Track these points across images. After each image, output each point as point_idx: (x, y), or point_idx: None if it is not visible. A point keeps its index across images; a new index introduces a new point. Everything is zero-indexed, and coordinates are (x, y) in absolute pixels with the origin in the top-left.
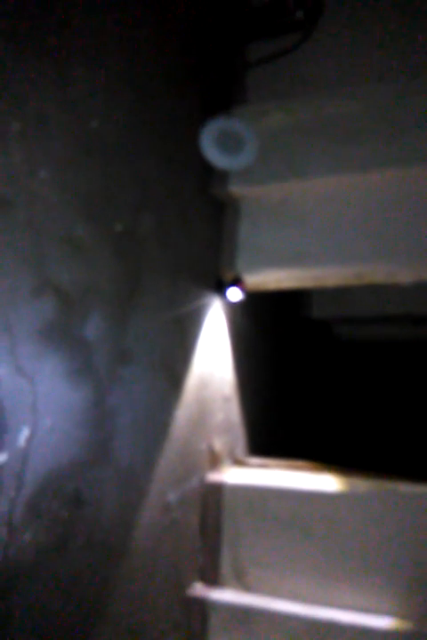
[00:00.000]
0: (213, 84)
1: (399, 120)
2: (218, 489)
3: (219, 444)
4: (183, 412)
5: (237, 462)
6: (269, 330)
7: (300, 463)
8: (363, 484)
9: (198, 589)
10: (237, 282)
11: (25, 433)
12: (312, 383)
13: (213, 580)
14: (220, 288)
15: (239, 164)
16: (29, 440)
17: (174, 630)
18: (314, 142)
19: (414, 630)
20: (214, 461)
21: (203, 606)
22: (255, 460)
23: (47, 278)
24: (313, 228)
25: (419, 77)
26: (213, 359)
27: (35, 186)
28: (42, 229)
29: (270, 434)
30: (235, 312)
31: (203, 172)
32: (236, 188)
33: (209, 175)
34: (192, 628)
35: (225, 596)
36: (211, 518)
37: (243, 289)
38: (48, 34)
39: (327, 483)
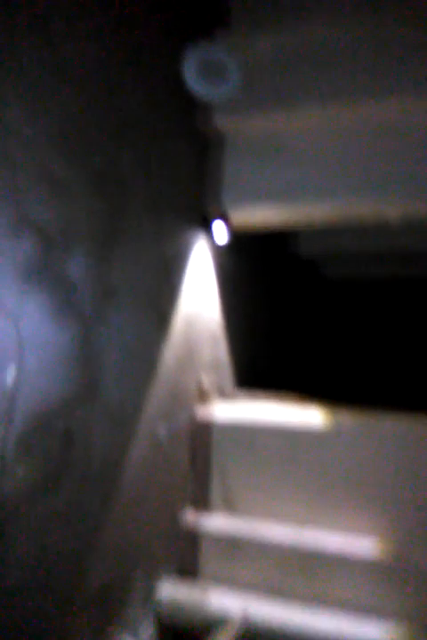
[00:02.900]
0: (194, 8)
1: (392, 48)
2: (207, 423)
3: (207, 381)
4: (171, 350)
5: (226, 397)
6: (256, 268)
7: (287, 397)
8: (347, 418)
9: (189, 515)
10: (222, 219)
11: (11, 372)
12: (300, 321)
13: (204, 506)
14: (205, 226)
15: (223, 94)
16: (17, 379)
17: (167, 554)
18: (301, 71)
19: (394, 553)
20: (203, 397)
21: (194, 531)
22: (243, 395)
23: (26, 216)
24: (301, 162)
25: (409, 7)
26: (199, 297)
27: (7, 117)
28: (18, 165)
29: (258, 371)
30: (221, 250)
31: (186, 105)
32: (220, 121)
33: (193, 108)
34: (184, 552)
35: (215, 522)
36: (200, 451)
37: (228, 225)
38: None
39: (313, 416)
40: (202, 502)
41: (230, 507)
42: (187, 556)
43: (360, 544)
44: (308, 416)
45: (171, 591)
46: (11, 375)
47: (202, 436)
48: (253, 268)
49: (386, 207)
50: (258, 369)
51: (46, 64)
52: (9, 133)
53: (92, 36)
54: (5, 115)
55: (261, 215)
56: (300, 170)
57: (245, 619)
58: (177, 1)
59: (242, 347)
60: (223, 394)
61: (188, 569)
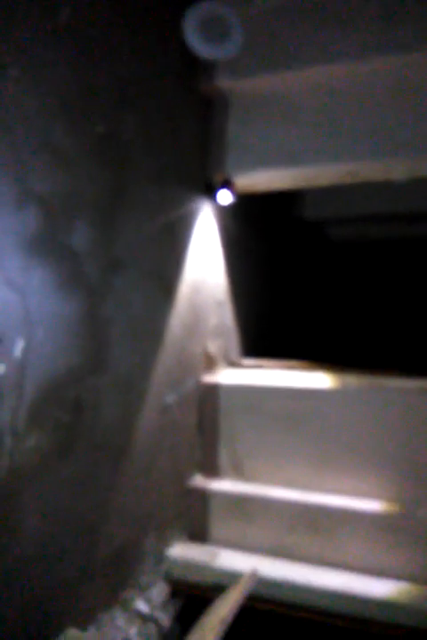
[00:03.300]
0: None
1: (396, 4)
2: (214, 389)
3: (213, 347)
4: (177, 318)
5: (232, 364)
6: (261, 232)
7: (293, 363)
8: (354, 381)
9: (198, 481)
10: (226, 184)
11: (20, 344)
12: (306, 284)
13: (212, 472)
14: (209, 191)
15: (226, 52)
16: (25, 351)
17: (177, 518)
18: (307, 28)
19: (400, 512)
20: (210, 364)
21: (203, 496)
22: (249, 361)
23: (29, 188)
24: (305, 123)
25: None
26: (205, 264)
27: (7, 89)
28: (18, 135)
29: (264, 336)
30: (226, 215)
31: (188, 66)
32: (223, 82)
33: (194, 69)
34: (193, 516)
35: (223, 485)
36: (208, 416)
37: (233, 191)
38: None
39: (320, 380)
40: (210, 466)
41: (238, 470)
42: (196, 520)
43: (367, 503)
44: (314, 379)
45: (181, 553)
46: (20, 347)
47: (209, 402)
48: (259, 232)
49: (393, 166)
50: (264, 333)
51: (45, 33)
52: (9, 105)
53: (90, 1)
54: (5, 86)
55: (266, 179)
56: (305, 131)
57: (254, 577)
58: None
59: (248, 312)
60: (229, 360)
61: (197, 532)
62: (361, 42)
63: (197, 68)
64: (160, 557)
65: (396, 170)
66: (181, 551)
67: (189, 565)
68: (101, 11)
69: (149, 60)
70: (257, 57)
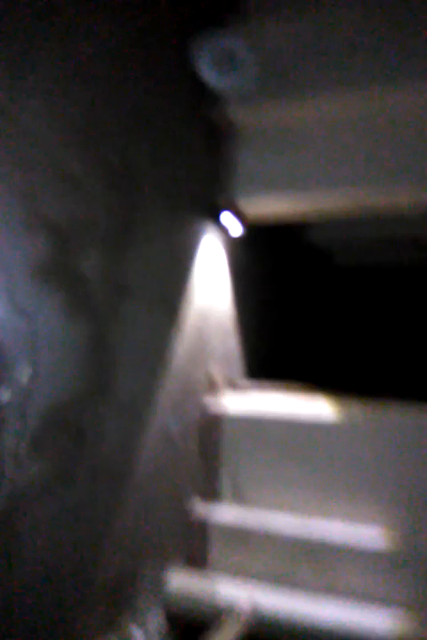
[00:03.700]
0: None
1: (405, 34)
2: (217, 415)
3: (217, 372)
4: (182, 343)
5: (236, 389)
6: (267, 257)
7: (297, 389)
8: (357, 409)
9: (199, 506)
10: (235, 212)
11: (27, 371)
12: (312, 310)
13: (213, 497)
14: (218, 218)
15: (236, 84)
16: (31, 377)
17: (176, 545)
18: (314, 60)
19: (402, 542)
20: (213, 389)
21: (203, 521)
22: (253, 387)
23: (41, 214)
24: (313, 152)
25: None
26: (211, 290)
27: (23, 118)
28: (32, 163)
29: (269, 361)
30: (233, 242)
31: (198, 95)
32: (232, 112)
33: (204, 99)
34: (193, 543)
35: (224, 511)
36: (210, 442)
37: (241, 219)
38: None
39: (323, 407)
40: (211, 493)
41: (239, 498)
42: (196, 547)
43: (368, 534)
44: (317, 407)
45: (180, 581)
46: (26, 374)
47: (212, 428)
48: (265, 259)
49: (399, 196)
50: (269, 359)
51: (60, 62)
52: (24, 132)
53: (105, 31)
54: (20, 114)
55: (273, 206)
56: (312, 160)
57: (253, 608)
58: None
59: (253, 338)
60: (234, 385)
61: (196, 560)
62: (368, 74)
63: (207, 98)
64: (158, 585)
65: (402, 199)
66: (180, 579)
67: (187, 594)
68: (116, 41)
69: (162, 90)
70: (266, 88)
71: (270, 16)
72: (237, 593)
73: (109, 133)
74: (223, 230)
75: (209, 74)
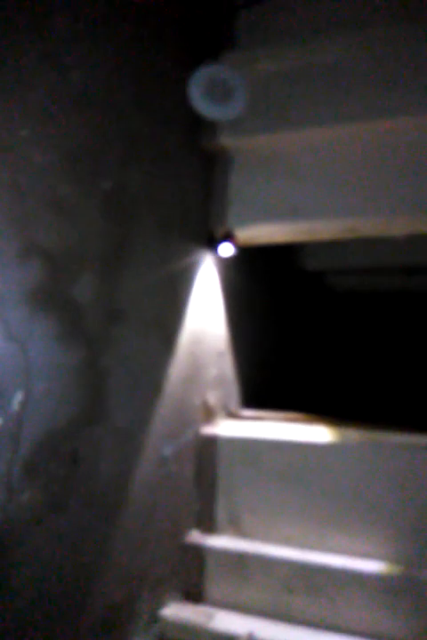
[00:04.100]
0: (200, 29)
1: (394, 68)
2: (212, 441)
3: (213, 398)
4: (177, 369)
5: (231, 415)
6: (262, 283)
7: (293, 415)
8: (355, 435)
9: (195, 536)
10: (228, 237)
11: (19, 397)
12: (306, 334)
13: (209, 527)
14: (211, 244)
15: (229, 114)
16: (24, 404)
17: (172, 576)
18: (306, 91)
19: (401, 574)
20: (208, 415)
21: (199, 552)
22: (249, 413)
23: (33, 241)
24: (306, 180)
25: (415, 22)
26: (205, 315)
27: (17, 146)
28: (26, 190)
29: (264, 386)
30: (227, 267)
31: (191, 124)
32: (226, 140)
33: (198, 127)
34: (189, 574)
35: (220, 541)
36: (206, 469)
37: (234, 244)
38: None
39: (320, 434)
40: (207, 522)
41: (236, 526)
42: (192, 578)
43: (367, 564)
44: (314, 433)
45: (176, 614)
46: (18, 400)
47: (207, 454)
48: (260, 283)
49: (391, 224)
50: (265, 383)
51: (54, 91)
52: (17, 159)
53: (99, 61)
54: (14, 141)
55: (266, 232)
56: (305, 187)
57: None
58: (183, 22)
59: (248, 362)
60: (229, 411)
61: (193, 591)
62: (359, 104)
63: (200, 126)
64: (154, 617)
65: (395, 226)
66: (176, 611)
67: (183, 627)
68: (110, 71)
69: (155, 118)
70: (259, 117)
71: (262, 50)
72: (235, 626)
73: (103, 160)
74: (217, 254)
75: (202, 104)
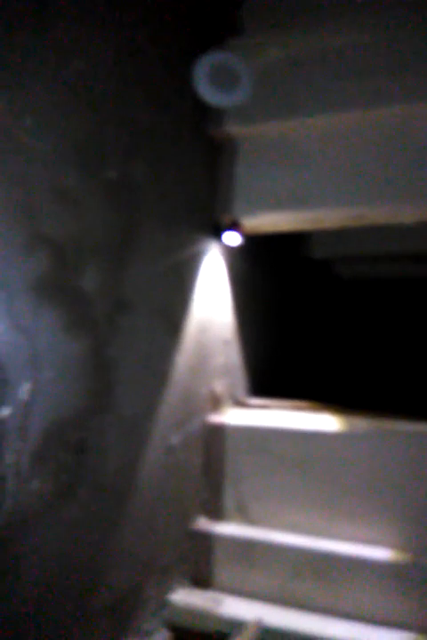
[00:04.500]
0: (206, 15)
1: (403, 54)
2: (220, 430)
3: (220, 387)
4: (183, 358)
5: (238, 403)
6: (269, 271)
7: (300, 403)
8: (362, 423)
9: (203, 523)
10: (234, 226)
11: (26, 387)
12: (313, 322)
13: (217, 514)
14: (217, 232)
15: (234, 100)
16: (31, 393)
17: (180, 562)
18: (313, 77)
19: (409, 561)
20: (216, 403)
21: (207, 539)
22: (256, 401)
23: (39, 231)
24: (313, 168)
25: (425, 6)
26: (212, 304)
27: (21, 135)
28: (31, 181)
29: (271, 374)
30: (234, 255)
31: (197, 112)
32: (232, 128)
33: (204, 115)
34: (197, 560)
35: (228, 529)
36: (213, 457)
37: (241, 233)
38: None
39: (327, 422)
40: (215, 509)
41: (243, 513)
42: (200, 564)
43: (375, 551)
44: (321, 421)
45: (184, 600)
46: (26, 390)
47: (215, 443)
48: (266, 272)
49: (399, 210)
50: (272, 371)
51: (58, 80)
52: (22, 150)
53: (102, 50)
54: (18, 132)
55: (273, 221)
56: (312, 175)
57: (258, 626)
58: (188, 9)
59: (255, 351)
60: (236, 400)
61: (201, 577)
62: (368, 91)
63: (206, 114)
64: (162, 603)
65: (402, 214)
66: (184, 597)
67: (191, 612)
68: (114, 59)
69: (160, 106)
70: (265, 104)
71: (268, 36)
72: (243, 611)
73: (108, 150)
74: (223, 243)
75: (208, 91)
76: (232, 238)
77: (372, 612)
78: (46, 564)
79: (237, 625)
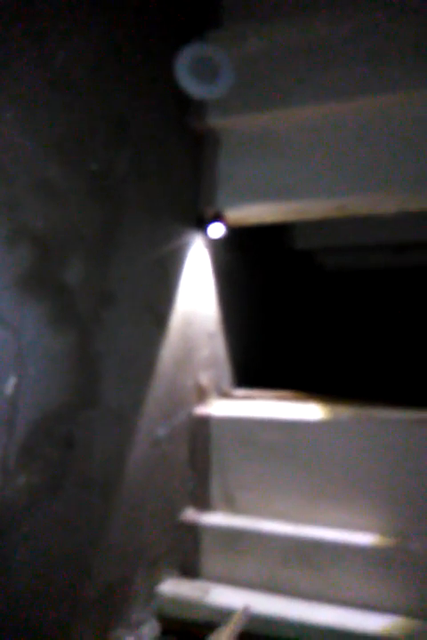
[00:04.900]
0: (186, 7)
1: (384, 44)
2: (205, 421)
3: (205, 379)
4: (169, 350)
5: (224, 395)
6: (252, 263)
7: (284, 394)
8: (346, 412)
9: (190, 514)
10: (218, 218)
11: (12, 381)
12: (297, 313)
13: (204, 505)
14: (201, 225)
15: (216, 92)
16: (17, 388)
17: (168, 553)
18: (295, 68)
19: (394, 545)
20: (201, 395)
21: (195, 529)
22: (241, 392)
23: (22, 225)
24: (295, 159)
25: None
26: (196, 296)
27: (3, 128)
28: (13, 174)
29: (256, 366)
30: (217, 247)
31: (179, 104)
32: (214, 120)
33: (186, 108)
34: (185, 551)
35: (215, 519)
36: (199, 449)
37: (224, 224)
38: None
39: (311, 411)
40: (202, 500)
41: (230, 503)
42: (188, 554)
43: (361, 536)
44: (306, 410)
45: (172, 590)
46: (11, 384)
47: (201, 434)
48: (250, 263)
49: (380, 202)
50: (257, 363)
51: (39, 73)
52: (3, 144)
53: (83, 43)
54: (0, 126)
55: (256, 212)
56: (295, 166)
57: (247, 614)
58: (168, 1)
59: (239, 342)
60: (221, 391)
61: (189, 567)
62: (349, 81)
63: (188, 107)
64: (151, 594)
65: (384, 204)
66: (173, 587)
67: (180, 602)
68: (95, 52)
69: (142, 99)
70: (247, 96)
71: (249, 27)
72: (231, 600)
73: (91, 142)
74: (207, 235)
75: (189, 83)
76: (216, 230)
77: (358, 596)
78: (35, 558)
79: (226, 613)
